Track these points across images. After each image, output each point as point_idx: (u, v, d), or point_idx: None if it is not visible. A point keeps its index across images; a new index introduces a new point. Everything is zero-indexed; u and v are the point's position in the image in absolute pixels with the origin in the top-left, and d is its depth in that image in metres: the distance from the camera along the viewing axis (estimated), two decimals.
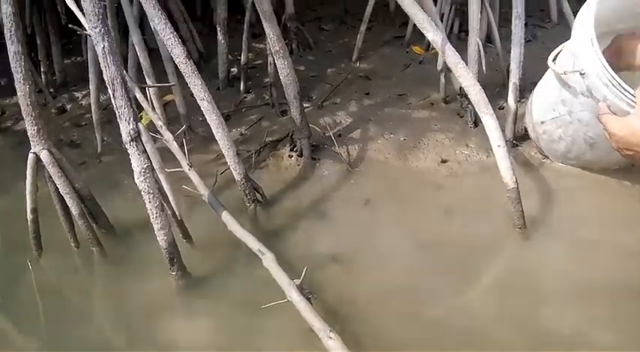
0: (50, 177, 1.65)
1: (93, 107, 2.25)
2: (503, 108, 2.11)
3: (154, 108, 2.05)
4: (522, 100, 2.07)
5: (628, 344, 1.29)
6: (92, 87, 2.26)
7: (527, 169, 1.88)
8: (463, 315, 1.42)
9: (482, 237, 1.64)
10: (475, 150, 2.00)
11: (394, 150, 2.07)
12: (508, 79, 2.06)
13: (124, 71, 1.64)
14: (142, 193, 1.50)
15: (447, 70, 2.17)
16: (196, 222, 1.75)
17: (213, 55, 2.65)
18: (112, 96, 1.52)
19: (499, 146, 1.62)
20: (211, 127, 1.84)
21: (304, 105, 2.16)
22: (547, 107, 1.76)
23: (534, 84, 1.98)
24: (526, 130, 1.97)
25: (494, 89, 2.22)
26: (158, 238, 1.52)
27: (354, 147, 2.12)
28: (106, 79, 1.51)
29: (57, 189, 1.66)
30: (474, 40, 2.10)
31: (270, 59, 2.32)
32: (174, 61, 1.88)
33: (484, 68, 2.05)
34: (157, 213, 1.52)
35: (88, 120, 2.42)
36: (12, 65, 1.66)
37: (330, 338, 1.21)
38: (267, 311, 1.31)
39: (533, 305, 1.43)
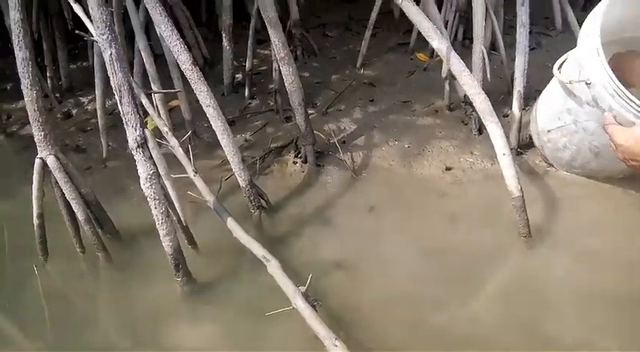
0: (56, 182, 1.66)
1: (99, 112, 2.26)
2: (507, 116, 2.12)
3: (159, 114, 2.06)
4: (527, 108, 2.07)
5: None
6: (98, 92, 2.27)
7: (531, 177, 1.88)
8: (467, 323, 1.42)
9: (486, 245, 1.64)
10: (479, 158, 2.00)
11: (398, 157, 2.07)
12: (512, 86, 2.06)
13: (131, 78, 1.66)
14: (148, 199, 1.51)
15: (451, 77, 2.18)
16: (201, 228, 1.76)
17: (218, 61, 2.67)
18: (118, 102, 1.53)
19: (504, 154, 1.62)
20: (217, 134, 1.85)
21: (309, 111, 2.17)
22: (552, 116, 1.77)
23: (539, 92, 1.98)
24: (531, 138, 1.98)
25: (499, 97, 2.22)
26: (164, 244, 1.53)
27: (359, 154, 2.12)
28: (113, 85, 1.53)
29: (63, 194, 1.67)
30: (479, 48, 2.11)
31: (275, 65, 2.34)
32: (179, 67, 1.90)
33: (488, 76, 2.06)
34: (162, 219, 1.53)
35: (94, 126, 2.43)
36: (19, 71, 1.68)
37: (335, 345, 1.21)
38: (272, 317, 1.31)
39: (537, 313, 1.43)
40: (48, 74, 2.73)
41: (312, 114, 2.30)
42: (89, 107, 2.61)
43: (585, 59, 1.51)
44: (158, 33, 2.21)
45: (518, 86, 2.00)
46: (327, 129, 2.23)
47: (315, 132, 2.10)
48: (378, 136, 2.18)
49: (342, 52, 2.83)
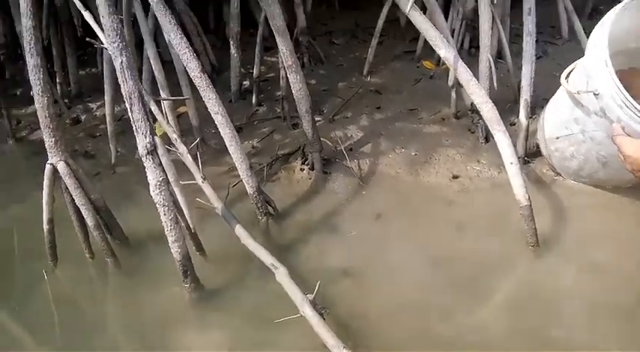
0: (67, 188, 1.68)
1: (108, 119, 2.28)
2: (514, 125, 2.12)
3: (168, 121, 2.07)
4: (534, 117, 2.08)
5: None
6: (107, 99, 2.28)
7: (539, 186, 1.89)
8: (475, 332, 1.42)
9: (494, 253, 1.64)
10: (486, 166, 2.01)
11: (405, 165, 2.08)
12: (519, 95, 2.07)
13: (141, 85, 1.67)
14: (157, 206, 1.52)
15: (458, 85, 2.19)
16: (209, 235, 1.76)
17: (226, 68, 2.69)
18: (129, 110, 1.55)
19: (512, 163, 1.63)
20: (225, 141, 1.86)
21: (316, 118, 2.18)
22: (559, 125, 1.77)
23: (546, 100, 1.99)
24: (538, 147, 1.98)
25: (506, 105, 2.23)
26: (172, 251, 1.54)
27: (365, 162, 2.13)
28: (123, 93, 1.54)
29: (73, 200, 1.69)
30: (485, 57, 2.12)
31: (282, 73, 2.36)
32: (188, 74, 1.91)
33: (495, 84, 2.06)
34: (171, 226, 1.54)
35: (103, 131, 2.45)
36: (31, 78, 1.70)
37: None
38: (280, 325, 1.32)
39: (544, 323, 1.43)
40: (57, 80, 2.75)
41: (318, 121, 2.31)
42: (98, 113, 2.63)
43: (593, 70, 1.51)
44: (167, 40, 2.23)
45: (525, 95, 2.01)
46: (333, 137, 2.24)
47: (322, 139, 2.11)
48: (385, 144, 2.19)
49: (348, 59, 2.85)
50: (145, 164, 1.52)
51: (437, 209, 1.87)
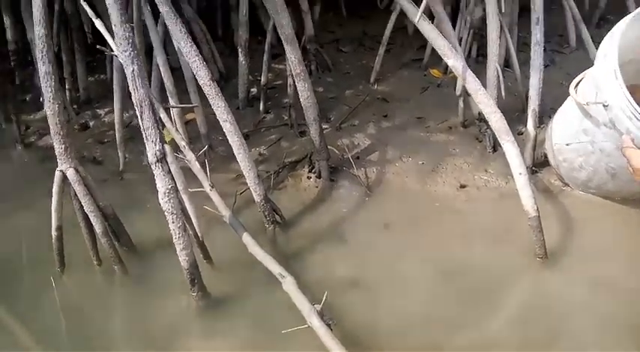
0: (76, 194, 1.69)
1: (117, 126, 2.29)
2: (522, 134, 2.12)
3: (177, 128, 2.08)
4: (541, 126, 2.07)
5: None
6: (116, 106, 2.30)
7: (547, 196, 1.88)
8: (485, 347, 1.41)
9: (503, 266, 1.63)
10: (494, 176, 2.00)
11: (412, 174, 2.08)
12: (527, 104, 2.07)
13: (152, 93, 1.68)
14: (166, 213, 1.53)
15: (465, 94, 2.19)
16: (215, 242, 1.77)
17: (234, 75, 2.70)
18: (139, 117, 1.56)
19: (520, 174, 1.62)
20: (233, 149, 1.87)
21: (323, 126, 2.18)
22: (568, 135, 1.76)
23: (553, 109, 1.98)
24: (546, 156, 1.97)
25: (513, 114, 2.22)
26: (180, 259, 1.54)
27: (372, 170, 2.13)
28: (134, 101, 1.55)
29: (82, 206, 1.69)
30: (493, 65, 2.12)
31: (289, 81, 2.36)
32: (196, 81, 1.92)
33: (503, 94, 2.06)
34: (179, 234, 1.54)
35: (111, 137, 2.46)
36: (42, 85, 1.71)
37: None
38: (287, 334, 1.31)
39: (554, 337, 1.42)
40: (66, 86, 2.77)
41: (325, 128, 2.31)
42: (106, 119, 2.65)
43: (603, 81, 1.51)
44: (176, 48, 2.25)
45: (533, 104, 2.01)
46: (340, 145, 2.24)
47: (329, 147, 2.12)
48: (392, 152, 2.19)
49: (355, 67, 2.85)
50: (154, 171, 1.53)
51: (445, 219, 1.86)
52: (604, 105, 1.49)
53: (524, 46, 2.53)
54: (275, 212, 1.92)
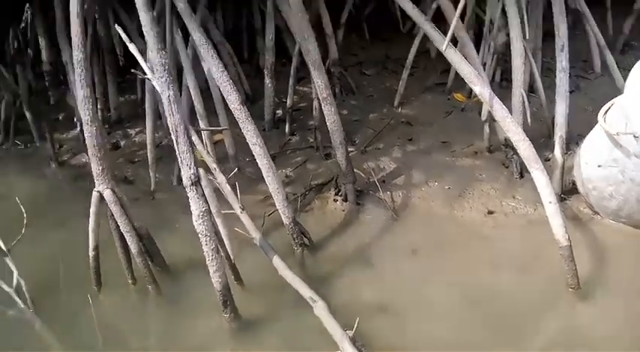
0: (112, 215, 1.73)
1: (149, 147, 2.34)
2: (549, 160, 2.12)
3: (208, 150, 2.13)
4: (569, 152, 2.07)
5: None
6: (148, 126, 2.36)
7: (576, 224, 1.87)
8: None
9: (533, 295, 1.62)
10: (522, 203, 2.00)
11: (439, 199, 2.09)
12: (553, 130, 2.07)
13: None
14: (200, 236, 1.56)
15: (491, 119, 2.20)
16: (245, 264, 1.79)
17: (259, 97, 2.75)
18: (175, 142, 1.60)
19: (550, 202, 1.62)
20: (262, 171, 1.91)
21: (348, 149, 2.21)
22: (598, 164, 1.76)
23: (580, 136, 1.99)
24: (574, 184, 1.97)
25: (540, 139, 2.22)
26: (213, 280, 1.57)
27: (398, 194, 2.15)
28: (170, 125, 1.60)
29: (118, 226, 1.74)
30: (518, 92, 2.13)
31: (315, 104, 2.41)
32: (225, 103, 1.97)
33: (529, 120, 2.07)
34: (212, 256, 1.57)
35: (141, 157, 2.52)
36: (80, 108, 1.78)
37: None
38: None
39: None
40: (98, 106, 2.85)
41: (351, 151, 2.34)
42: (137, 139, 2.71)
43: (633, 111, 1.52)
44: (206, 71, 2.31)
45: (560, 131, 2.01)
46: (366, 168, 2.26)
47: (354, 170, 2.14)
48: (418, 176, 2.21)
49: (379, 90, 2.89)
50: (188, 194, 1.56)
51: (473, 245, 1.86)
52: (635, 137, 1.50)
53: (548, 71, 2.55)
54: (303, 235, 1.94)
